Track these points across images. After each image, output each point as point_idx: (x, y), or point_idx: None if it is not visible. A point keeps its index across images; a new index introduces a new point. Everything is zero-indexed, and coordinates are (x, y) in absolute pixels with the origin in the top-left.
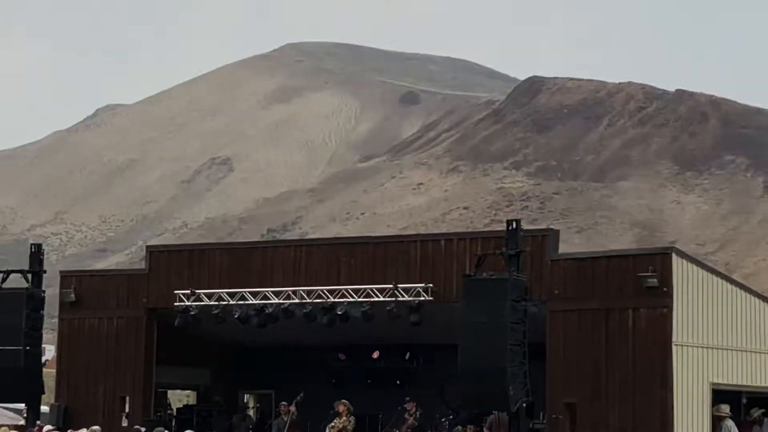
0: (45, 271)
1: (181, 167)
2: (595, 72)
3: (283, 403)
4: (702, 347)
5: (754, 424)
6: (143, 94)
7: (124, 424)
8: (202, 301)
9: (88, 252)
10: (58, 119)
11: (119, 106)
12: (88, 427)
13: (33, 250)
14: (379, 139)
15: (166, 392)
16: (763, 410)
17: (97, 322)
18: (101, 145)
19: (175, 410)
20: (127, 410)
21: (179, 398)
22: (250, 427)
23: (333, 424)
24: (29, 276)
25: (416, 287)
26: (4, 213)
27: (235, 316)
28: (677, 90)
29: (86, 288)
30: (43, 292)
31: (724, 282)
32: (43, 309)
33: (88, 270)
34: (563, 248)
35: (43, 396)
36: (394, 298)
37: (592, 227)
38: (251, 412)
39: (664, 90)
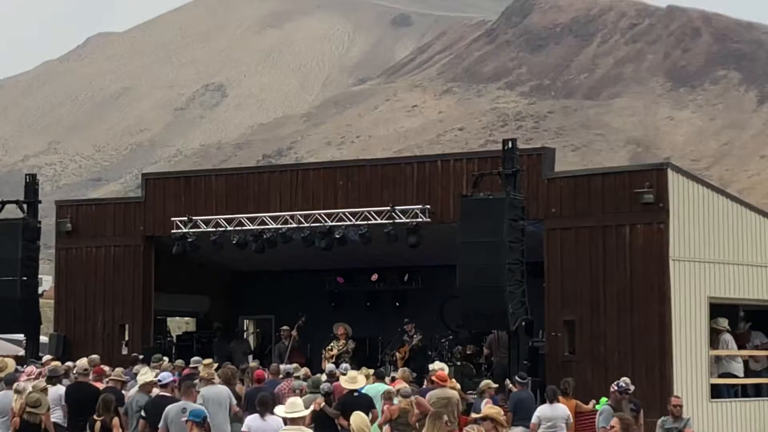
0: (40, 201)
1: (174, 94)
2: None
3: (284, 327)
4: (699, 262)
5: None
6: (134, 21)
7: (124, 352)
8: (200, 227)
9: (83, 181)
10: (49, 49)
11: (110, 34)
12: (87, 356)
13: (27, 180)
14: (373, 62)
15: (165, 319)
16: (750, 323)
17: (95, 251)
18: (93, 74)
19: (174, 337)
20: (126, 338)
21: (178, 325)
22: (250, 351)
23: (331, 346)
24: (24, 206)
25: (413, 209)
26: None
27: (233, 242)
28: (669, 6)
29: (83, 217)
30: (39, 222)
31: (720, 196)
32: (39, 239)
33: (84, 199)
34: (559, 166)
35: (42, 326)
36: (391, 220)
37: (586, 145)
38: (251, 337)
39: (656, 6)
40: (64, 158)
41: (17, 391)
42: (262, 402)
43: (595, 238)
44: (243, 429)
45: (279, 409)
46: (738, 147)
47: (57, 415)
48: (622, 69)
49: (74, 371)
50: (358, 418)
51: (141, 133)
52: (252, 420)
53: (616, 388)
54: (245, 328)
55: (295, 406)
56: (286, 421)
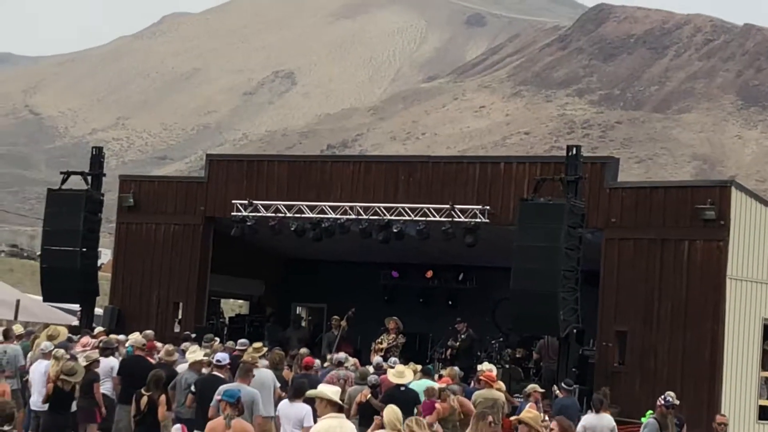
0: (105, 175)
1: (243, 79)
2: (663, 2)
3: (335, 317)
4: (756, 282)
5: None
6: (210, 3)
7: (176, 330)
8: (259, 211)
9: (147, 159)
10: (124, 25)
11: (185, 14)
12: (140, 332)
13: (94, 152)
14: (444, 60)
15: (219, 301)
16: None
17: (154, 227)
18: (165, 53)
19: (227, 319)
20: (179, 316)
21: (232, 308)
22: (303, 339)
23: (381, 339)
24: (89, 178)
25: (473, 209)
26: (66, 116)
27: (292, 229)
28: (745, 24)
29: (145, 193)
30: (102, 194)
31: None
32: (101, 212)
33: (147, 175)
34: (622, 177)
35: (97, 298)
36: (450, 219)
37: (652, 158)
38: (304, 324)
39: (732, 23)
40: (131, 134)
41: (55, 358)
42: (295, 388)
43: (653, 251)
44: (276, 413)
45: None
46: None
47: (106, 387)
48: (693, 84)
49: (126, 344)
50: (390, 411)
51: (208, 115)
52: (282, 405)
53: (662, 402)
54: (301, 316)
55: (325, 387)
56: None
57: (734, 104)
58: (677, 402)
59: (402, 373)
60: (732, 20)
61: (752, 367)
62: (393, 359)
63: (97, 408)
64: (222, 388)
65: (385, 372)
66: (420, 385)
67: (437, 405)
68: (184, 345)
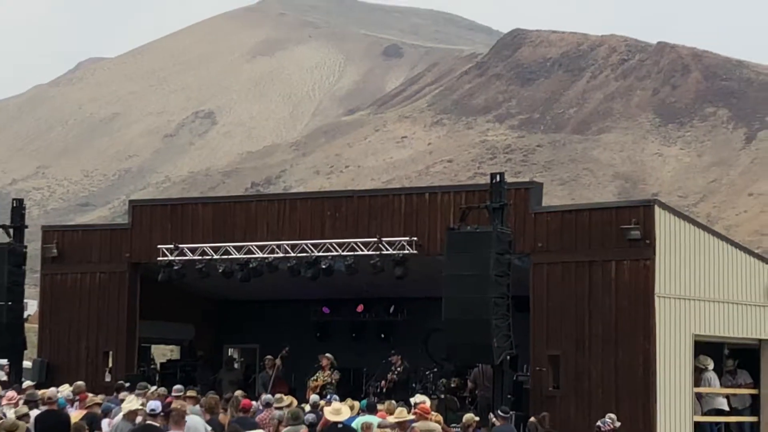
0: (27, 226)
1: (163, 121)
2: (577, 24)
3: (269, 357)
4: (684, 299)
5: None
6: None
7: (108, 379)
8: (186, 255)
9: (70, 206)
10: (40, 73)
11: (101, 59)
12: (71, 383)
13: (14, 204)
14: (363, 93)
15: (150, 347)
16: (737, 360)
17: (80, 277)
18: (83, 99)
19: (158, 365)
20: (110, 365)
21: (163, 353)
22: (237, 381)
23: (316, 377)
24: (11, 231)
25: (400, 240)
26: None
27: (219, 271)
28: (659, 42)
29: (68, 243)
30: (25, 247)
31: (706, 234)
32: (24, 264)
33: (70, 225)
34: (546, 200)
35: (25, 352)
36: (378, 252)
37: (575, 179)
38: (236, 366)
39: (646, 42)
40: (52, 183)
41: None
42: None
43: (581, 273)
44: None
45: None
46: (725, 184)
47: None
48: (611, 104)
49: (46, 398)
50: None
51: (130, 159)
52: None
53: (601, 425)
54: (233, 357)
55: None
56: None
57: (652, 122)
58: (617, 424)
59: (339, 411)
60: (646, 39)
61: (685, 384)
62: (330, 396)
63: None
64: None
65: (321, 410)
66: (358, 422)
67: None
68: (122, 395)
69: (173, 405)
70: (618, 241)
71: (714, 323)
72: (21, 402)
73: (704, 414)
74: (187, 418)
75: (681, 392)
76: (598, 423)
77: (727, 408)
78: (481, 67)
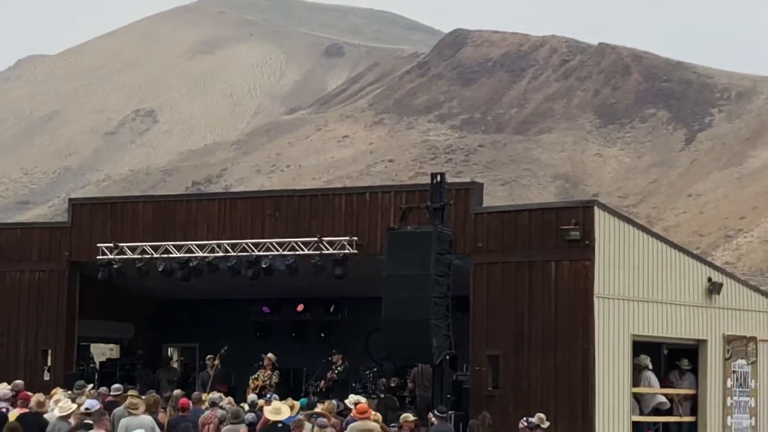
0: None
1: (104, 119)
2: (519, 25)
3: (210, 356)
4: (623, 299)
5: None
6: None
7: (47, 378)
8: (125, 254)
9: (9, 204)
10: None
11: (41, 56)
12: (9, 382)
13: None
14: (305, 92)
15: (89, 346)
16: (691, 365)
17: (19, 275)
18: (23, 96)
19: (98, 364)
20: (49, 364)
21: (102, 352)
22: (175, 380)
23: (257, 376)
24: None
25: (341, 240)
26: None
27: (159, 270)
28: (600, 43)
29: (7, 241)
30: None
31: (646, 235)
32: None
33: (8, 223)
34: (487, 201)
35: None
36: (318, 251)
37: (515, 180)
38: (175, 365)
39: (587, 43)
40: None
41: None
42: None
43: (520, 274)
44: None
45: None
46: (665, 185)
47: None
48: (552, 105)
49: None
50: None
51: (70, 157)
52: None
53: (525, 423)
54: (171, 356)
55: None
56: None
57: (593, 123)
58: (545, 424)
59: (279, 410)
60: (587, 40)
61: (624, 384)
62: (270, 395)
63: None
64: None
65: (260, 409)
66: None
67: None
68: (55, 395)
69: (128, 401)
70: (557, 241)
71: (653, 323)
72: None
73: (645, 414)
74: (134, 418)
75: (620, 392)
76: (522, 422)
77: (667, 404)
78: (422, 66)
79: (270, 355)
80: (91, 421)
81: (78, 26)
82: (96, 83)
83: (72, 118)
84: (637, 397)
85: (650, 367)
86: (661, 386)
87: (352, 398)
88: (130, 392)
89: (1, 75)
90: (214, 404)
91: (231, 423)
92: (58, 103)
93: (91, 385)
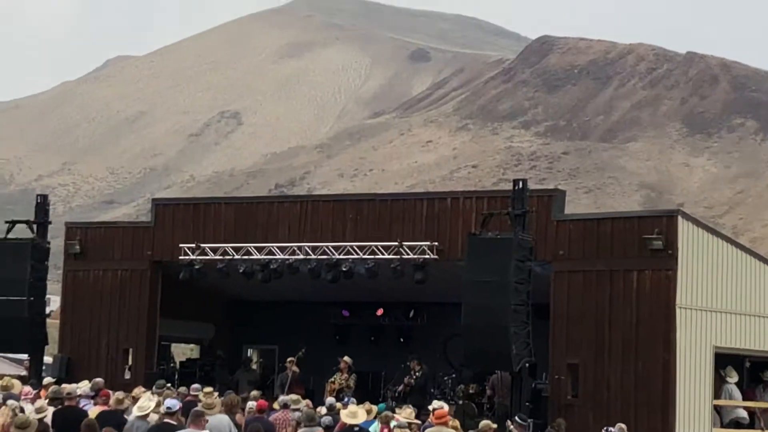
0: (50, 222)
1: (189, 120)
2: (606, 32)
3: (290, 358)
4: (706, 311)
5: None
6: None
7: (127, 376)
8: (207, 255)
9: (94, 203)
10: (68, 70)
11: (129, 57)
12: (90, 379)
13: (39, 200)
14: (389, 96)
15: (170, 345)
16: None
17: (102, 274)
18: (110, 97)
19: (178, 364)
20: (130, 363)
21: (183, 352)
22: (254, 381)
23: (334, 379)
24: (34, 226)
25: (421, 245)
26: (12, 163)
27: (240, 271)
28: (688, 52)
29: (91, 240)
30: (48, 242)
31: (730, 246)
32: (47, 260)
33: (93, 222)
34: (570, 208)
35: (46, 347)
36: (399, 256)
37: (600, 188)
38: (255, 367)
39: (675, 52)
40: (77, 179)
41: (6, 404)
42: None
43: (602, 283)
44: None
45: None
46: (753, 196)
47: None
48: (638, 113)
49: (65, 394)
50: None
51: (155, 158)
52: None
53: None
54: (251, 358)
55: None
56: None
57: (680, 132)
58: None
59: (355, 414)
60: (674, 48)
61: (705, 396)
62: (348, 399)
63: None
64: None
65: (338, 412)
66: (376, 426)
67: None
68: (135, 392)
69: (203, 402)
70: (640, 250)
71: (735, 335)
72: (38, 397)
73: (724, 426)
74: (213, 417)
75: (700, 405)
76: (602, 430)
77: (747, 418)
78: (507, 73)
79: (346, 358)
80: (173, 421)
81: (166, 28)
82: (182, 84)
83: (158, 119)
84: (717, 410)
85: (736, 380)
86: (743, 399)
87: (436, 404)
88: (205, 391)
89: (89, 75)
90: (286, 406)
91: (306, 425)
92: (145, 104)
93: (170, 385)
